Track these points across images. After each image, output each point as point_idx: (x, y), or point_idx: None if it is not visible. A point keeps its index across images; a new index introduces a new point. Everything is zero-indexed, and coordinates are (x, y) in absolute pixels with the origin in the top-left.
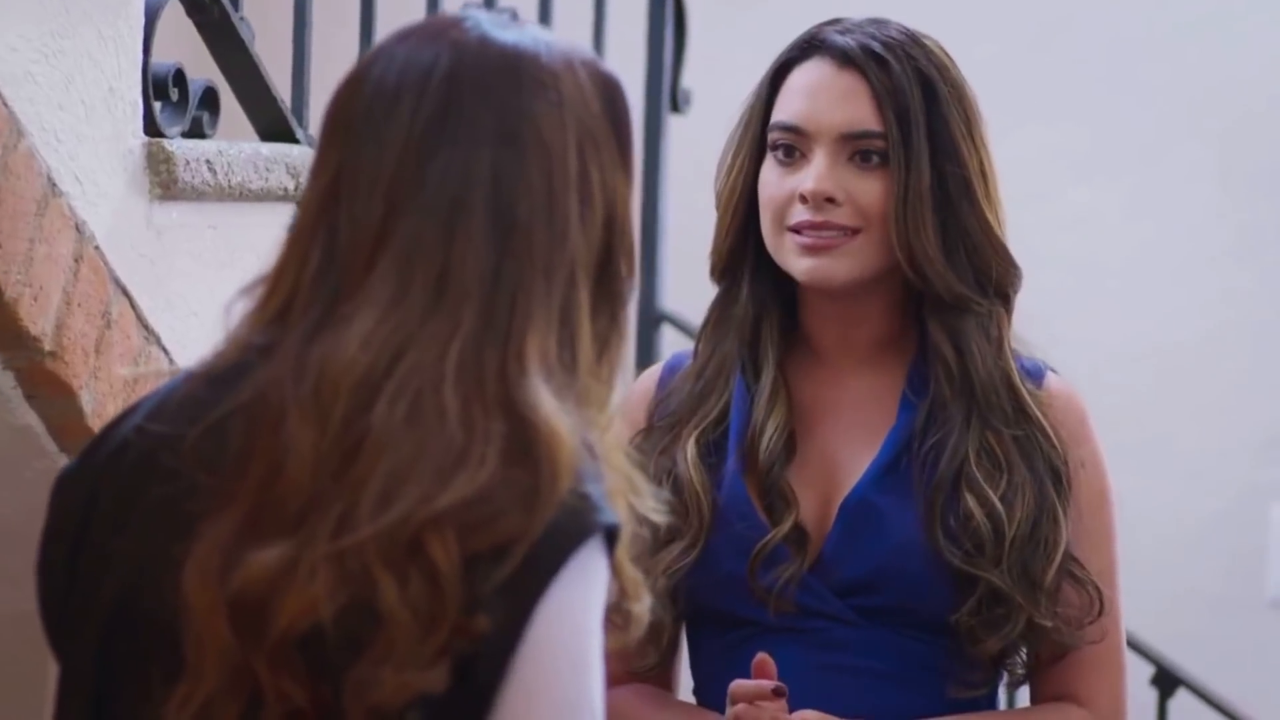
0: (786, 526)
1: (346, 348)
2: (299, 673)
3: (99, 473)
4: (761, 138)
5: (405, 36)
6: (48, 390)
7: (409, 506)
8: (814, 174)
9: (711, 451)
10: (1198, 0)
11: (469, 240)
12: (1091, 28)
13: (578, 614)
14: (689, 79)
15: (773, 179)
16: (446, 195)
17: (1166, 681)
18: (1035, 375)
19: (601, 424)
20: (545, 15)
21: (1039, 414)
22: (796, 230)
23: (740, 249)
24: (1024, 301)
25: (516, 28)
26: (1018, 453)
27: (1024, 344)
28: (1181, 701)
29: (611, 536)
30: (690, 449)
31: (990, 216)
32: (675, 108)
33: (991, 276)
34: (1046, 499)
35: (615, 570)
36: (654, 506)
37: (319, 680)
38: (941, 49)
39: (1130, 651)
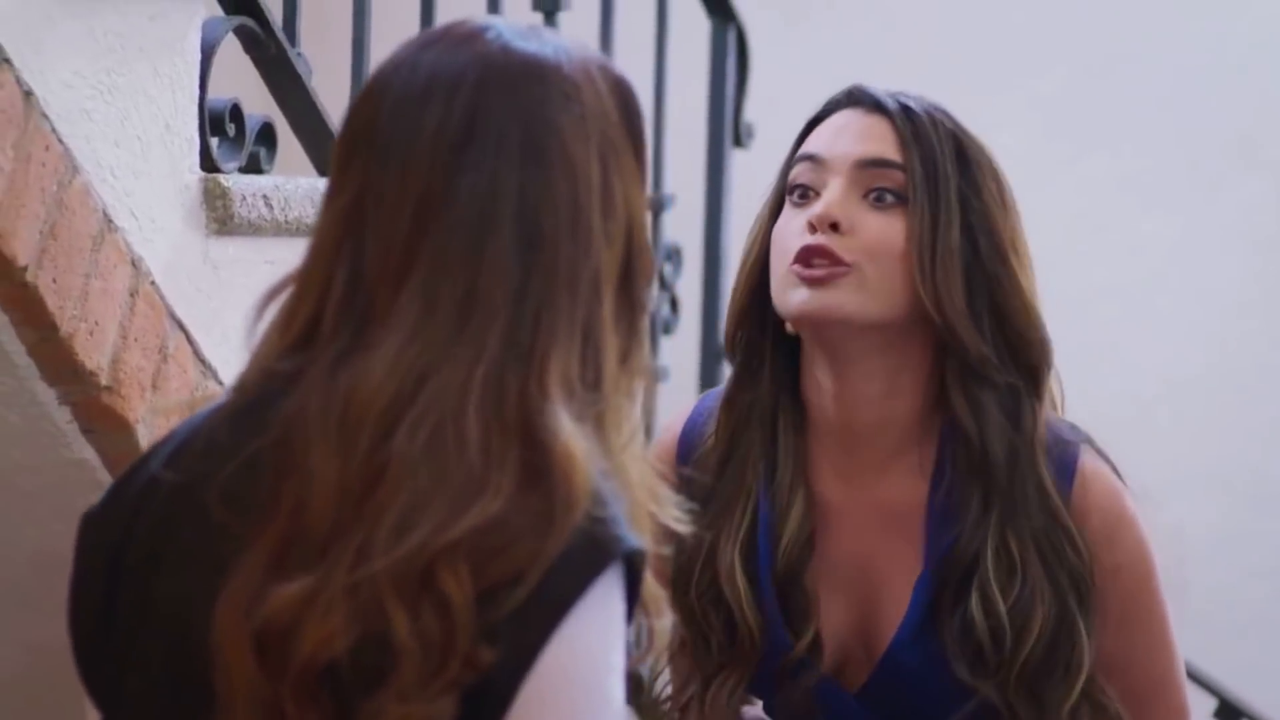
0: (805, 642)
1: (373, 374)
2: (324, 706)
3: (130, 514)
4: (782, 192)
5: (426, 45)
6: (104, 424)
7: (422, 537)
8: (825, 199)
9: (750, 564)
10: (1259, 31)
11: (496, 258)
12: (1152, 61)
13: (595, 647)
14: (751, 112)
15: (785, 220)
16: (474, 212)
17: (1230, 714)
18: (1066, 461)
19: (625, 437)
20: (606, 45)
21: (1066, 518)
22: (798, 262)
23: (754, 314)
24: (1082, 327)
25: (537, 37)
26: (1037, 557)
27: (1059, 407)
28: None
29: (633, 562)
30: (736, 565)
31: (1026, 287)
32: (738, 141)
33: (1019, 348)
34: (1067, 615)
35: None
36: (678, 517)
37: (342, 713)
38: (978, 138)
39: (1192, 684)
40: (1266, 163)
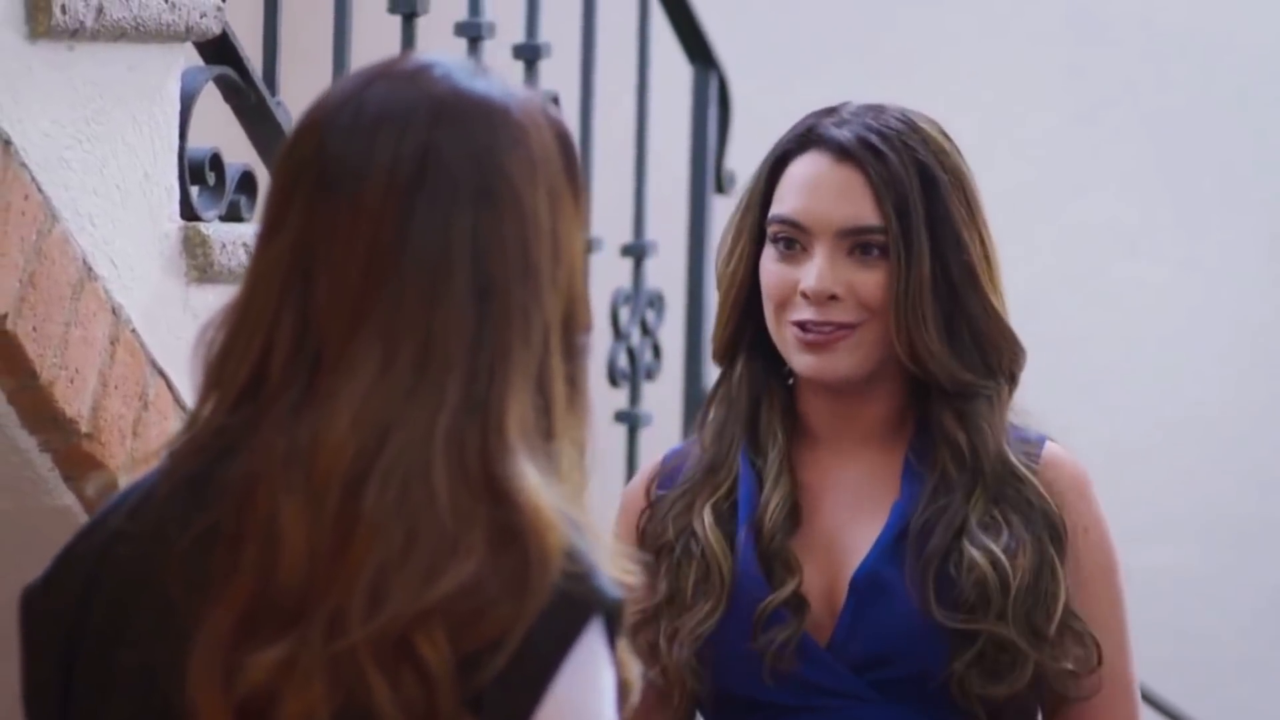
0: (787, 591)
1: (337, 427)
2: None
3: (82, 588)
4: (761, 225)
5: (370, 81)
6: (85, 471)
7: (397, 605)
8: (815, 273)
9: (726, 523)
10: (1244, 73)
11: (451, 307)
12: (1139, 103)
13: (585, 706)
14: (733, 159)
15: (774, 269)
16: (428, 258)
17: None
18: (1034, 443)
19: (575, 488)
20: (587, 95)
21: (1028, 473)
22: (799, 326)
23: (741, 335)
24: (1073, 370)
25: (484, 76)
26: (1014, 512)
27: (1027, 416)
28: None
29: (612, 614)
30: (708, 515)
31: (994, 301)
32: (720, 188)
33: (998, 360)
34: (1045, 553)
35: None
36: (629, 569)
37: None
38: (940, 132)
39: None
40: (1252, 205)
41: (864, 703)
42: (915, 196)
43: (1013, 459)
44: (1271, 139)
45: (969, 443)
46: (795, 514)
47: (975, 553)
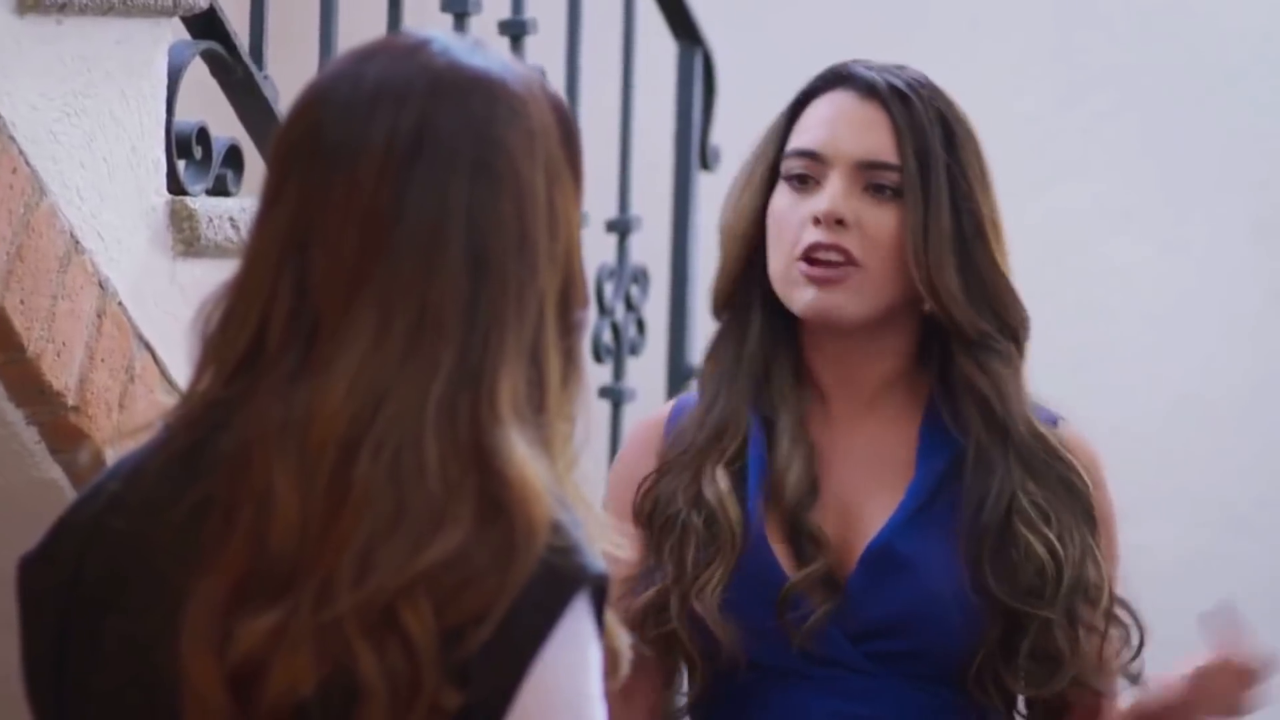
0: (817, 567)
1: (331, 397)
2: None
3: (75, 558)
4: (775, 168)
5: (368, 57)
6: (71, 444)
7: (384, 574)
8: (829, 195)
9: (738, 485)
10: (1231, 54)
11: (446, 277)
12: (1126, 83)
13: (571, 680)
14: (718, 136)
15: (785, 205)
16: (424, 229)
17: None
18: (1049, 420)
19: (566, 463)
20: (573, 70)
21: (1069, 456)
22: (806, 260)
23: (745, 282)
24: (1060, 351)
25: (481, 51)
26: (1055, 496)
27: (1036, 395)
28: None
29: (599, 587)
30: (721, 479)
31: (1002, 262)
32: (705, 164)
33: (1006, 320)
34: (1087, 542)
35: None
36: (619, 543)
37: None
38: (957, 102)
39: None
40: (1239, 187)
41: (855, 674)
42: (937, 143)
43: (1048, 436)
44: (1259, 121)
45: (997, 394)
46: (815, 485)
47: (1033, 539)
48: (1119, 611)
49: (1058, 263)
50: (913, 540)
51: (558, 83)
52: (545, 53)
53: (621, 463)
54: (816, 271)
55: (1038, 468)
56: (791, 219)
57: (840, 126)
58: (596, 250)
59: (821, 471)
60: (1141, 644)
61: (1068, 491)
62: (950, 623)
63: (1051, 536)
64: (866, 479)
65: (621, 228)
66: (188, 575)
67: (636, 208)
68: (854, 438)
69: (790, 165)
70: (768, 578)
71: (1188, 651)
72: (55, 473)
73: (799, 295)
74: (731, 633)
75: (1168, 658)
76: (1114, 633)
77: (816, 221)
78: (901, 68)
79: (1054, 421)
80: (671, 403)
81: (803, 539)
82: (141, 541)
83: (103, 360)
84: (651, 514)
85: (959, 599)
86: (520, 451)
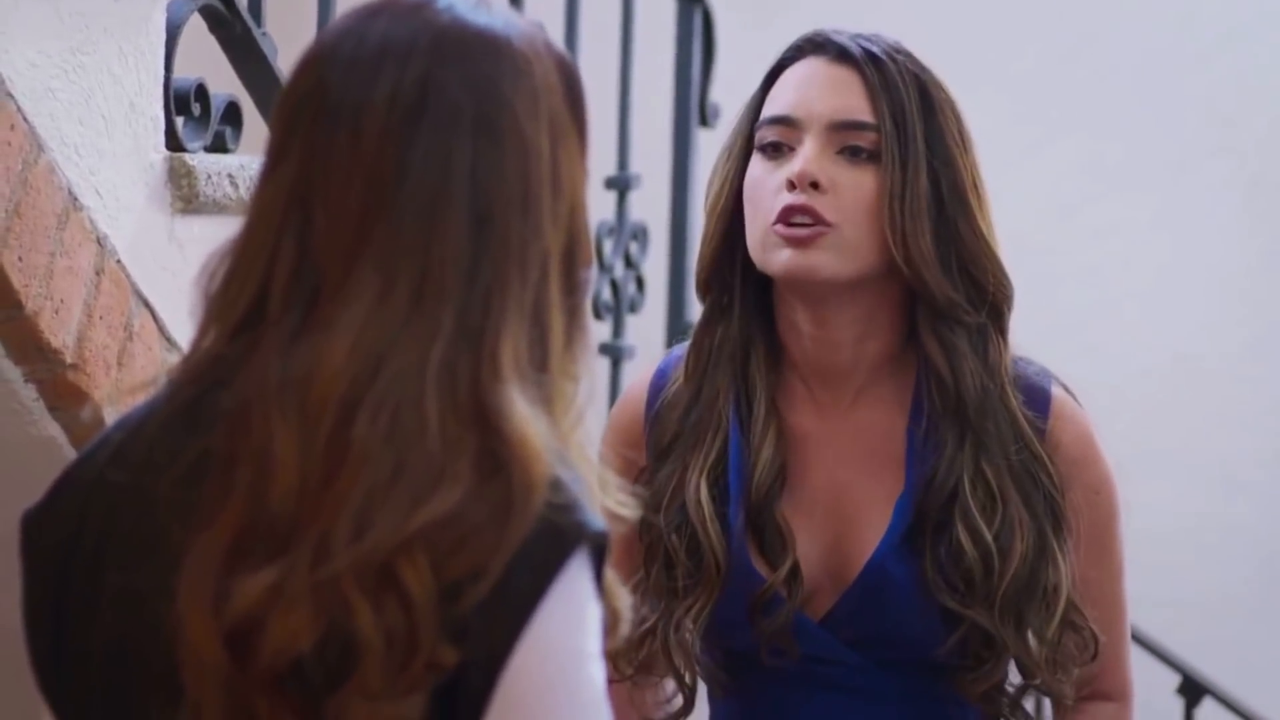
0: (784, 571)
1: (333, 356)
2: (293, 701)
3: (77, 514)
4: (750, 139)
5: (373, 14)
6: (70, 402)
7: (381, 531)
8: (802, 157)
9: (720, 489)
10: (1227, 16)
11: (448, 237)
12: (1122, 43)
13: (568, 638)
14: (717, 93)
15: (759, 174)
16: (427, 188)
17: (1192, 690)
18: (1039, 394)
19: (570, 422)
20: (572, 27)
21: (1038, 447)
22: (780, 221)
23: (726, 258)
24: (1054, 313)
25: (486, 10)
26: (1014, 486)
27: (1048, 355)
28: (1208, 711)
29: (598, 544)
30: (703, 493)
31: (985, 229)
32: (704, 121)
33: (985, 289)
34: (1046, 543)
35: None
36: (623, 501)
37: (309, 710)
38: (932, 69)
39: (1156, 660)
40: (1236, 146)
41: (861, 671)
42: (913, 106)
43: (1022, 422)
44: (1253, 82)
45: (949, 371)
46: (783, 471)
47: (964, 536)
48: (1076, 619)
49: (1052, 224)
50: (907, 548)
51: (557, 41)
52: (545, 9)
53: (611, 430)
54: (790, 231)
55: (995, 448)
56: (767, 185)
57: (812, 89)
58: (596, 208)
59: (808, 459)
60: (1096, 650)
61: (1032, 483)
62: (935, 632)
63: (987, 536)
64: (857, 472)
65: (621, 185)
66: (186, 530)
67: (636, 165)
68: (838, 424)
69: (764, 134)
70: (753, 587)
71: (1183, 611)
72: (54, 430)
73: (775, 258)
74: (706, 666)
75: (1169, 616)
76: (1069, 641)
77: (791, 186)
78: (876, 35)
79: (1047, 388)
80: (646, 380)
81: (770, 537)
82: (141, 495)
83: (101, 318)
84: (640, 525)
85: (931, 604)
86: (520, 410)
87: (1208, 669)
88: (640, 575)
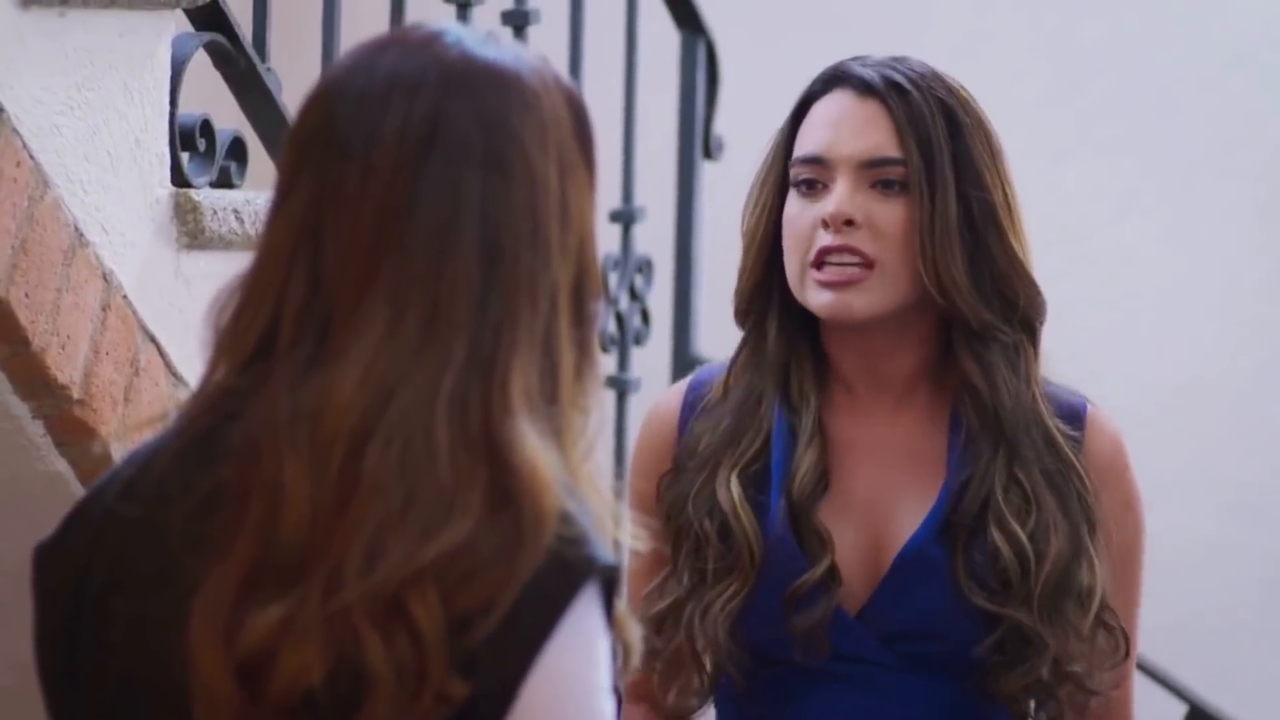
0: (820, 569)
1: (343, 387)
2: None
3: (88, 548)
4: (784, 174)
5: (382, 49)
6: (77, 437)
7: (392, 564)
8: (835, 199)
9: (754, 488)
10: (1234, 39)
11: (458, 269)
12: (1132, 65)
13: (578, 672)
14: (721, 125)
15: (795, 211)
16: (437, 220)
17: (1199, 719)
18: (1074, 412)
19: (580, 454)
20: (575, 60)
21: (1071, 455)
22: (817, 265)
23: (764, 288)
24: (1063, 335)
25: (495, 44)
26: (1049, 491)
27: (1062, 377)
28: None
29: (608, 578)
30: (735, 486)
31: (1016, 246)
32: (708, 154)
33: (1017, 306)
34: (1081, 544)
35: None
36: (636, 535)
37: None
38: (962, 86)
39: (1162, 689)
40: (1243, 169)
41: (890, 671)
42: (939, 134)
43: (1054, 430)
44: (1260, 104)
45: (987, 384)
46: (825, 478)
47: (999, 538)
48: (1109, 618)
49: (1061, 247)
50: (942, 543)
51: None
52: (549, 43)
53: (639, 454)
54: (827, 276)
55: (1029, 456)
56: (802, 224)
57: (841, 128)
58: (601, 240)
59: (850, 466)
60: (1128, 648)
61: (1065, 488)
62: (970, 628)
63: (1022, 536)
64: (894, 473)
65: (625, 218)
66: (198, 564)
67: (640, 198)
68: (881, 432)
69: (797, 172)
70: (793, 577)
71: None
72: (61, 465)
73: (813, 299)
74: (734, 653)
75: (1176, 642)
76: (1102, 640)
77: (825, 225)
78: (900, 60)
79: (1081, 408)
80: (682, 388)
81: (808, 536)
82: (153, 529)
83: (107, 353)
84: (668, 517)
85: (967, 603)
86: (530, 442)
87: (1215, 697)
88: (669, 568)
